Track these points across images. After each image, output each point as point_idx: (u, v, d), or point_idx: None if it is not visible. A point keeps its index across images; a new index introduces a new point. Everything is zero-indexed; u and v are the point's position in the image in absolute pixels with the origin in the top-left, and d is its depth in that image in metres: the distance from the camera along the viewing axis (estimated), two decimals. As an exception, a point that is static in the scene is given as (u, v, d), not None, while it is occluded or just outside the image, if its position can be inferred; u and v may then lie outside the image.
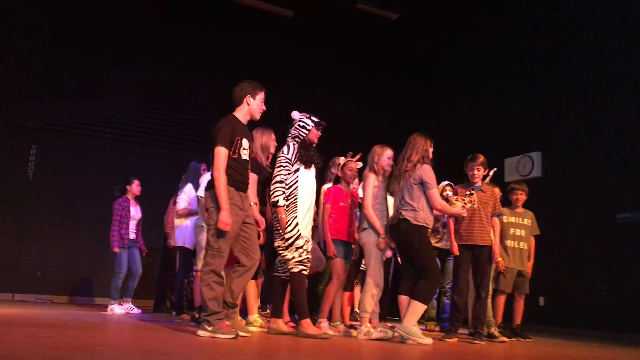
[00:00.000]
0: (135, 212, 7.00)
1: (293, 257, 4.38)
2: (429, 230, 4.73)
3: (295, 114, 4.68)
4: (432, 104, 10.68)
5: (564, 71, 8.26)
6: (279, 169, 4.47)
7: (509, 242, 5.81)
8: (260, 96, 4.16)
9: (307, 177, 4.56)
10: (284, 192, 4.40)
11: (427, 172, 4.56)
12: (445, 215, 5.82)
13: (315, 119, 4.68)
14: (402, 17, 10.02)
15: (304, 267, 4.40)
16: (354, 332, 4.86)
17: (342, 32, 10.32)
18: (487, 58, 9.75)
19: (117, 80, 9.29)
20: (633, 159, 7.06)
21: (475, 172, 5.26)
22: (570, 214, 7.76)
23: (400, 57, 10.85)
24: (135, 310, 6.70)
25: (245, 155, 4.02)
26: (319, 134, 4.72)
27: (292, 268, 4.40)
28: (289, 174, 4.48)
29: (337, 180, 5.44)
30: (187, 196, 6.18)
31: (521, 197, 6.00)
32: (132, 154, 9.15)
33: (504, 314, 5.81)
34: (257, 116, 4.19)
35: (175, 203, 6.57)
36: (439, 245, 6.40)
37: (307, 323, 4.34)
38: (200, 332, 3.76)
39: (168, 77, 9.67)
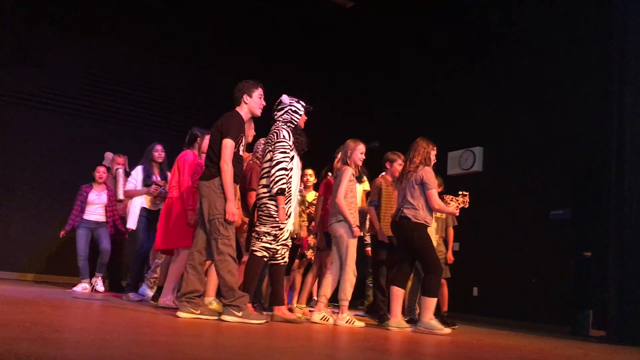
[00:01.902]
0: (97, 197, 6.91)
1: (264, 243, 4.34)
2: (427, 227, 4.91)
3: (285, 98, 4.60)
4: (379, 98, 10.76)
5: (508, 71, 8.49)
6: (282, 155, 4.35)
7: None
8: (257, 93, 4.27)
9: (297, 166, 4.57)
10: (287, 181, 4.35)
11: (427, 173, 4.83)
12: None
13: (304, 104, 4.65)
14: (357, 6, 10.05)
15: (267, 255, 4.37)
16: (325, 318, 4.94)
17: (294, 19, 10.25)
18: (434, 55, 9.90)
19: (60, 50, 8.88)
20: (567, 159, 7.37)
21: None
22: (507, 208, 8.04)
23: (349, 49, 10.85)
24: (100, 287, 6.64)
25: (241, 151, 4.19)
26: (306, 118, 4.70)
27: (256, 251, 4.36)
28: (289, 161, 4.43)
29: None
30: (134, 179, 6.09)
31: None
32: (73, 127, 8.81)
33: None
34: (258, 112, 4.31)
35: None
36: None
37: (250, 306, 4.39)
38: (228, 318, 3.84)
39: (114, 51, 9.33)
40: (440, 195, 5.27)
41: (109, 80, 9.28)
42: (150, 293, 6.17)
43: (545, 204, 7.53)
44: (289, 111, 4.57)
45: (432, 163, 5.05)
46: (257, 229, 4.42)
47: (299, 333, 3.75)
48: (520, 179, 7.98)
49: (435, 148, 5.10)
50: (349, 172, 4.92)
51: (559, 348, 4.75)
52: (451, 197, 5.15)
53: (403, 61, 10.61)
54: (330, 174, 5.67)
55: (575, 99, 7.47)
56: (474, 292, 8.12)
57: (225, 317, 3.83)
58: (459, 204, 5.04)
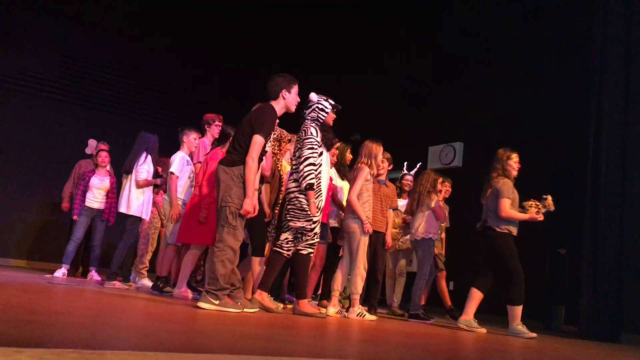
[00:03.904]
0: (100, 181, 6.77)
1: (306, 240, 4.48)
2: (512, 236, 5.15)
3: (314, 96, 4.66)
4: (361, 92, 10.76)
5: (490, 69, 8.57)
6: (310, 151, 4.44)
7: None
8: (295, 89, 4.24)
9: (326, 161, 4.67)
10: (315, 176, 4.43)
11: (502, 184, 5.07)
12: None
13: (332, 102, 4.71)
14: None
15: (312, 251, 4.55)
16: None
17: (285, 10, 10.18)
18: (418, 53, 9.93)
19: (37, 32, 8.76)
20: (546, 157, 7.46)
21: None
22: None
23: (333, 46, 10.82)
24: (96, 278, 6.55)
25: (268, 147, 4.20)
26: (334, 116, 4.77)
27: (301, 250, 4.49)
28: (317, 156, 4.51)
29: None
30: (149, 167, 6.10)
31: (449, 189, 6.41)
32: (49, 110, 8.69)
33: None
34: (293, 109, 4.29)
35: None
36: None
37: (304, 303, 4.54)
38: (204, 305, 3.80)
39: (92, 34, 9.20)
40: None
41: (87, 64, 9.16)
42: (148, 283, 6.20)
43: (522, 200, 7.60)
44: (316, 109, 4.64)
45: (514, 171, 5.19)
46: (290, 224, 4.46)
47: (276, 322, 3.75)
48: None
49: (513, 156, 5.21)
50: (365, 172, 5.00)
51: (530, 342, 4.82)
52: (530, 202, 5.16)
53: (386, 58, 10.61)
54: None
55: (554, 98, 7.55)
56: (450, 286, 8.18)
57: (201, 304, 3.81)
58: (539, 208, 5.09)
